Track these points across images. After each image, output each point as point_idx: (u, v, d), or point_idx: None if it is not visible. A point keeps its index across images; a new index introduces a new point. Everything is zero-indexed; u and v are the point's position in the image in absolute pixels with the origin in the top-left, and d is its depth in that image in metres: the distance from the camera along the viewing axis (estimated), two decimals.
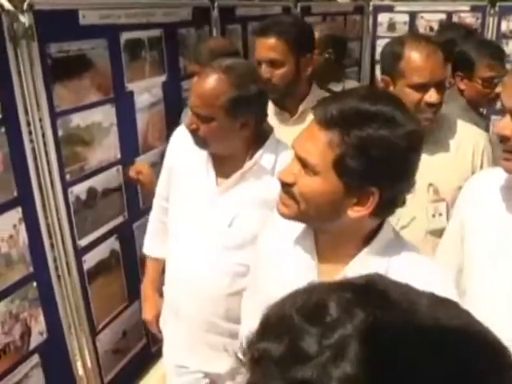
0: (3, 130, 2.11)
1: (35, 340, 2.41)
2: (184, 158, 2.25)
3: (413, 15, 6.07)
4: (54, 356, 2.54)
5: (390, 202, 1.32)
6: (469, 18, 5.92)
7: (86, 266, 2.69)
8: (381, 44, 5.58)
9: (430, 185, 2.16)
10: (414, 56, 2.12)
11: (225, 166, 2.12)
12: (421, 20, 6.07)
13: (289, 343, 0.66)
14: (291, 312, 0.69)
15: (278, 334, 0.68)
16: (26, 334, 2.36)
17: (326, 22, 5.04)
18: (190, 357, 2.33)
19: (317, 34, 3.16)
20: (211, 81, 2.00)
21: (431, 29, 6.05)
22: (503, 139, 1.60)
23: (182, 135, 2.29)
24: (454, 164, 2.18)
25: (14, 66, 2.13)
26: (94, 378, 2.85)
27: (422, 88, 2.11)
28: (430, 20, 6.05)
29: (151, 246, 2.57)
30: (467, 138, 2.23)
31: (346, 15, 5.59)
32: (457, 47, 3.20)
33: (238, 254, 2.10)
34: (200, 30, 3.29)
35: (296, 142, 1.36)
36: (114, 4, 2.61)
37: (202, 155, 2.16)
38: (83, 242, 2.64)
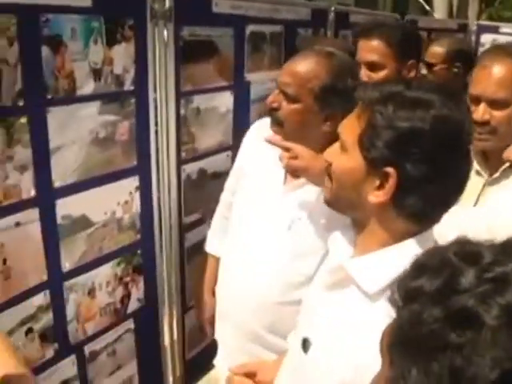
0: (133, 100, 2.24)
1: (132, 305, 2.53)
2: (256, 155, 2.20)
3: None
4: (146, 324, 2.66)
5: (412, 193, 1.23)
6: None
7: (187, 243, 2.80)
8: None
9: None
10: (478, 66, 2.04)
11: None
12: None
13: (446, 278, 0.72)
14: (448, 254, 0.75)
15: (433, 272, 0.74)
16: (126, 298, 2.49)
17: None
18: (228, 364, 2.18)
19: (444, 49, 3.17)
20: (309, 62, 1.90)
21: None
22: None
23: (256, 133, 2.26)
24: None
25: (150, 44, 2.26)
26: (177, 351, 2.96)
27: (475, 101, 1.98)
28: None
29: (211, 242, 2.56)
30: None
31: (449, 33, 5.52)
32: None
33: (295, 261, 1.99)
34: (316, 32, 3.37)
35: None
36: None
37: (275, 150, 2.05)
38: (187, 220, 2.75)
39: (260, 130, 2.19)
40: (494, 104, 1.95)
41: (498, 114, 1.95)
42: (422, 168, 1.20)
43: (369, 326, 1.19)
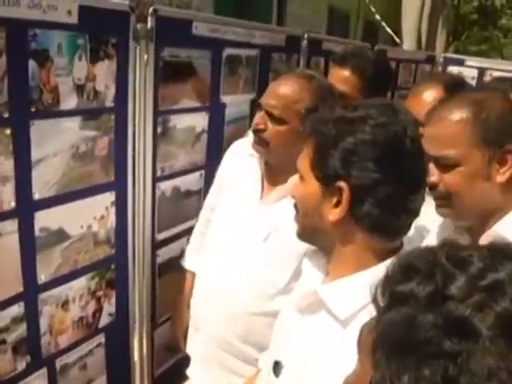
0: (113, 117, 2.28)
1: (104, 320, 2.54)
2: (236, 170, 2.29)
3: (481, 71, 6.02)
4: (117, 339, 2.67)
5: (366, 201, 1.28)
6: None
7: (158, 260, 2.83)
8: None
9: None
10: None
11: (276, 179, 2.10)
12: (488, 77, 6.08)
13: (439, 283, 0.72)
14: (440, 258, 0.75)
15: (424, 276, 0.73)
16: (98, 312, 2.50)
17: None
18: (200, 373, 2.34)
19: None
20: (294, 85, 2.00)
21: None
22: (431, 187, 1.63)
23: (237, 149, 2.36)
24: None
25: (132, 62, 2.31)
26: (147, 367, 2.97)
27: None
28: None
29: (188, 258, 2.64)
30: None
31: (417, 64, 5.64)
32: None
33: (269, 272, 2.05)
34: (289, 57, 3.45)
35: None
36: (222, 21, 2.79)
37: (254, 167, 2.17)
38: (160, 237, 2.79)
39: (240, 148, 2.27)
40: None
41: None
42: (370, 175, 1.26)
43: (340, 352, 1.23)
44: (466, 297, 0.70)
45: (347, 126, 1.29)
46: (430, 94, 2.19)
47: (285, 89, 2.02)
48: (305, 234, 1.47)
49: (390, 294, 0.78)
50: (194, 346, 2.40)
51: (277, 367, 1.44)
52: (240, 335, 2.16)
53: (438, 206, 1.70)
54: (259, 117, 2.07)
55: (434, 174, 1.63)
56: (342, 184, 1.28)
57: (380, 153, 1.26)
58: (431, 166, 1.63)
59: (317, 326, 1.36)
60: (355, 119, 1.29)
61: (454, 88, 2.10)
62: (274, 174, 2.12)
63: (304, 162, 1.39)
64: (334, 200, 1.31)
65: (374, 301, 0.82)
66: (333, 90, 2.10)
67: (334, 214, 1.31)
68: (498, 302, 0.68)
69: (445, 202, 1.68)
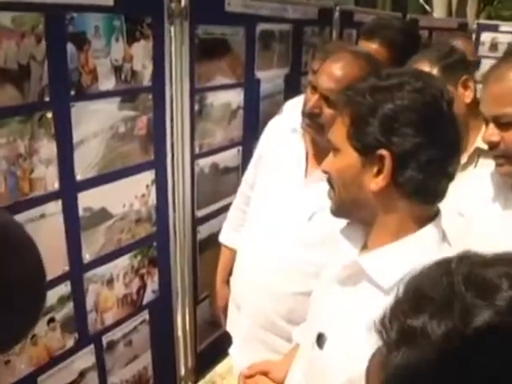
0: (151, 96, 2.31)
1: (148, 297, 2.59)
2: (276, 146, 2.24)
3: None
4: (160, 315, 2.71)
5: (408, 167, 1.27)
6: None
7: (198, 236, 2.86)
8: (482, 64, 5.52)
9: None
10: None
11: (323, 157, 1.94)
12: None
13: (457, 320, 0.60)
14: (457, 284, 0.63)
15: (439, 308, 0.62)
16: (142, 289, 2.54)
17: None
18: (243, 352, 2.33)
19: None
20: (352, 66, 1.87)
21: None
22: (492, 146, 1.67)
23: (277, 125, 2.32)
24: None
25: (167, 42, 2.32)
26: (190, 342, 3.02)
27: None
28: None
29: (226, 234, 2.63)
30: None
31: (450, 32, 5.51)
32: None
33: (313, 252, 1.99)
34: (322, 30, 3.44)
35: None
36: None
37: (297, 143, 2.12)
38: (200, 213, 2.82)
39: (280, 123, 2.25)
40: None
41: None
42: (412, 140, 1.25)
43: None
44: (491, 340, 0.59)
45: (384, 93, 1.28)
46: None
47: (342, 71, 1.89)
48: (343, 209, 1.44)
49: (399, 327, 0.66)
50: (236, 324, 2.41)
51: (320, 339, 1.44)
52: (284, 315, 2.15)
53: (498, 166, 1.72)
54: (315, 100, 1.96)
55: (494, 134, 1.66)
56: (384, 152, 1.27)
57: (420, 117, 1.26)
58: (491, 126, 1.66)
59: (359, 296, 1.36)
60: (392, 86, 1.29)
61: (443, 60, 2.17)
62: (321, 152, 2.00)
63: (339, 133, 1.37)
64: (375, 169, 1.30)
65: (383, 326, 0.69)
66: (384, 65, 1.99)
67: (376, 182, 1.30)
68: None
69: (506, 160, 1.70)
